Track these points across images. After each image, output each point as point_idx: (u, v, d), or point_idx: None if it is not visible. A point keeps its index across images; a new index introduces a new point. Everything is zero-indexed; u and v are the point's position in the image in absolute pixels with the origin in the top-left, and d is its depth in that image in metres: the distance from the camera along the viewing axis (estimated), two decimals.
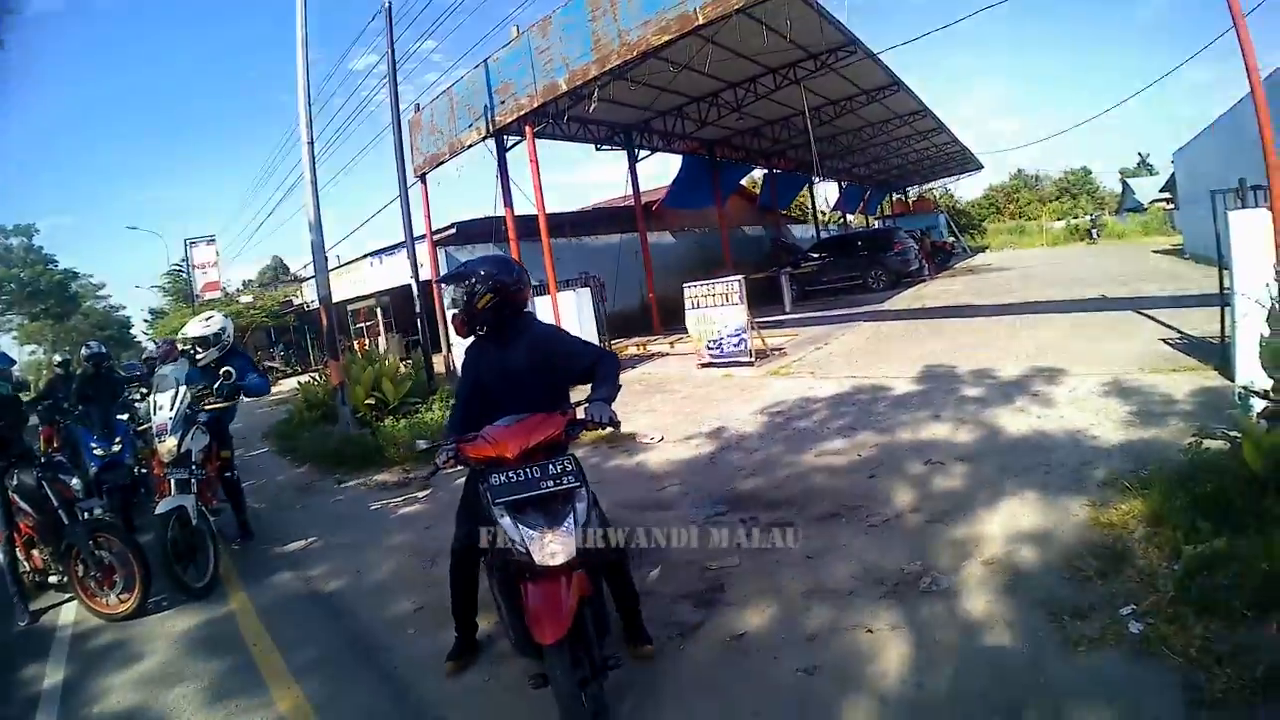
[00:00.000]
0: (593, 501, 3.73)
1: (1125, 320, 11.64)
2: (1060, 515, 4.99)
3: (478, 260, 4.35)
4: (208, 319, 8.13)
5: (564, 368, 4.20)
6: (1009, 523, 5.04)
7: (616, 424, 3.87)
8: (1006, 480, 5.78)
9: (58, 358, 12.87)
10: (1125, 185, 68.82)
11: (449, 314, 4.39)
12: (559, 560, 3.38)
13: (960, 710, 3.33)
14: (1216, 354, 8.12)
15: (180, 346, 9.34)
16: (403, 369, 15.57)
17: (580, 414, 3.93)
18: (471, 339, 4.42)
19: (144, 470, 8.51)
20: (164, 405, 6.96)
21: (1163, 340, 9.68)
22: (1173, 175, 34.01)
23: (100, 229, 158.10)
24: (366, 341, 27.29)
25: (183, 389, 7.06)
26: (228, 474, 7.87)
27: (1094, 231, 45.50)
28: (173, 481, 6.76)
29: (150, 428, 7.11)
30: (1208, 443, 4.89)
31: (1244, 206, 7.28)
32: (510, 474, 3.57)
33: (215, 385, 7.26)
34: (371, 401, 13.15)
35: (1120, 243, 39.36)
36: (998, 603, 4.08)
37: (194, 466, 6.91)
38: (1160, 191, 50.58)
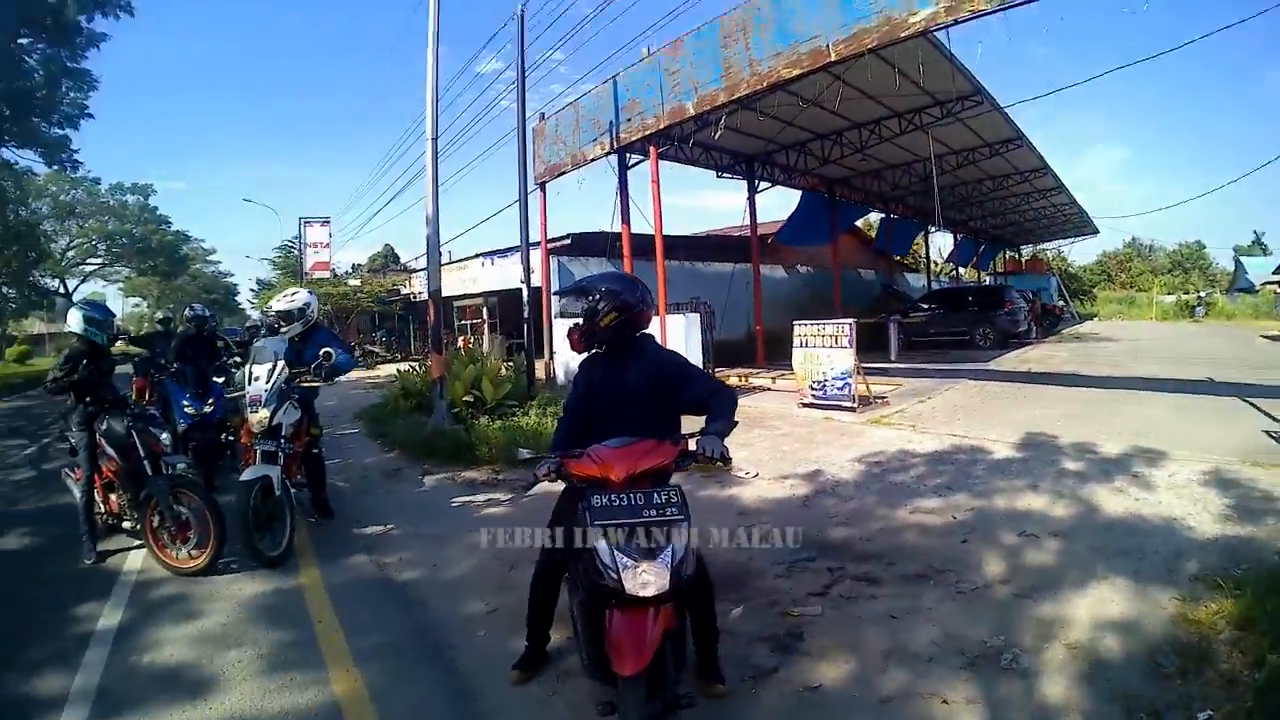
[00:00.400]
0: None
1: (1229, 407, 11.35)
2: (1148, 606, 4.90)
3: (601, 276, 4.34)
4: (293, 294, 8.37)
5: (679, 395, 4.09)
6: (1096, 607, 4.96)
7: (728, 460, 3.76)
8: (1098, 562, 5.68)
9: (160, 314, 13.43)
10: (1238, 264, 66.44)
11: (560, 326, 4.37)
12: (650, 592, 3.32)
13: None
14: None
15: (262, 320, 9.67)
16: (503, 371, 15.74)
17: (692, 445, 3.81)
18: (589, 355, 4.39)
19: (232, 437, 8.68)
20: (260, 377, 7.09)
21: (1266, 432, 9.43)
22: None
23: (215, 199, 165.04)
24: (470, 339, 27.69)
25: (280, 363, 7.20)
26: (314, 450, 8.06)
27: (1199, 309, 44.18)
28: (259, 451, 6.92)
29: (244, 396, 7.21)
30: None
31: None
32: (613, 497, 3.51)
33: (313, 365, 7.42)
34: (469, 399, 13.37)
35: (1229, 324, 37.97)
36: (1076, 690, 4.01)
37: (283, 440, 7.07)
38: (1274, 273, 48.88)
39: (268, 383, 7.05)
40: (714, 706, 4.08)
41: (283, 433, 7.08)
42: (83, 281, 59.82)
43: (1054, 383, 15.35)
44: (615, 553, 3.38)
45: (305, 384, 7.49)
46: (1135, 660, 4.26)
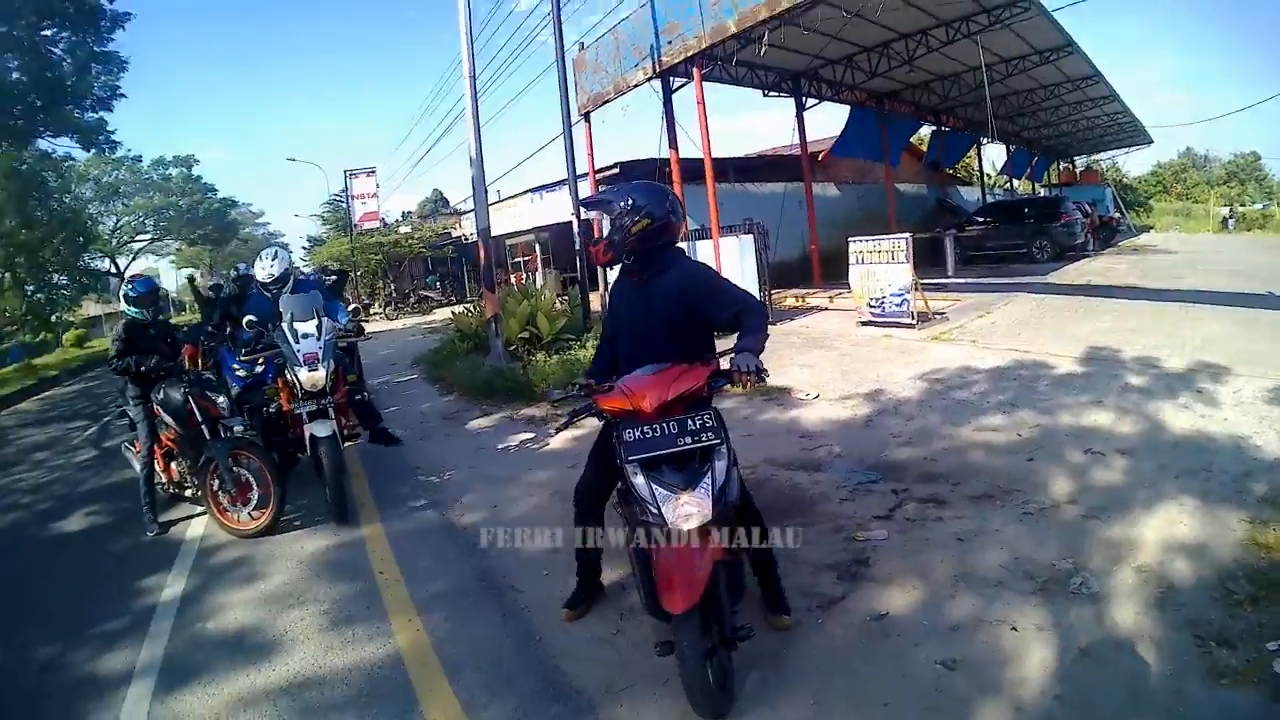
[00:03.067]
0: (733, 460, 3.53)
1: None
2: (1217, 528, 4.81)
3: (628, 187, 4.02)
4: (273, 255, 8.36)
5: (707, 310, 3.86)
6: (1165, 529, 4.89)
7: (763, 376, 3.52)
8: (1166, 481, 5.59)
9: (212, 280, 13.58)
10: None
11: (589, 241, 4.21)
12: (692, 524, 3.25)
13: None
14: None
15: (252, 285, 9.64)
16: (559, 305, 15.82)
17: (725, 364, 3.69)
18: (618, 276, 4.26)
19: (269, 410, 7.56)
20: (310, 334, 6.86)
21: None
22: None
23: (261, 162, 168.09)
24: (524, 276, 27.79)
25: (326, 320, 7.10)
26: (358, 396, 8.18)
27: (1230, 221, 42.86)
28: (305, 414, 6.74)
29: (296, 355, 6.79)
30: None
31: None
32: (645, 429, 3.44)
33: (345, 322, 7.55)
34: (525, 336, 13.44)
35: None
36: (1146, 616, 3.94)
37: (328, 396, 6.89)
38: None
39: (319, 340, 6.88)
40: (779, 638, 4.07)
41: (326, 388, 6.88)
42: (134, 259, 60.18)
43: (1114, 296, 15.01)
44: (652, 486, 3.34)
45: (343, 337, 7.56)
46: (1205, 586, 4.17)
